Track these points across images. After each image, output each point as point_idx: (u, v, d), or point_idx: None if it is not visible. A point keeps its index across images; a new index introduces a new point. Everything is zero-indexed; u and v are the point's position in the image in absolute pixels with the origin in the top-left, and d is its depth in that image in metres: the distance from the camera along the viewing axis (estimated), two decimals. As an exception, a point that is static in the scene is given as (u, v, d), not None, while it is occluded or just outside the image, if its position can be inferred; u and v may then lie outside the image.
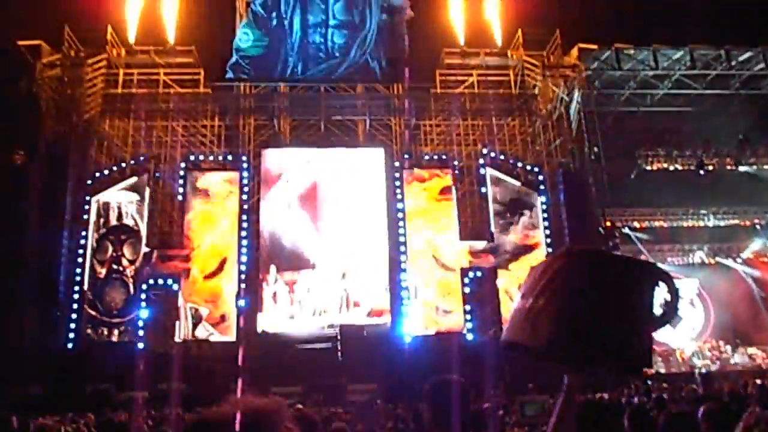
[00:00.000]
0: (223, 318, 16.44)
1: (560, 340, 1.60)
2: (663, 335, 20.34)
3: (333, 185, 17.47)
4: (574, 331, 1.59)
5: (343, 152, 18.09)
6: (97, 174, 17.07)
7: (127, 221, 16.85)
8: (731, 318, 20.26)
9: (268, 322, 16.27)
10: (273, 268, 16.58)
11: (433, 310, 17.06)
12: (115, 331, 16.16)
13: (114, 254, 16.53)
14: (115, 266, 16.49)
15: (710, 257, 21.59)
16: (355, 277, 16.67)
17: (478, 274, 16.98)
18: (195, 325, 16.35)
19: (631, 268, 1.71)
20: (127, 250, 16.60)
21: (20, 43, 16.93)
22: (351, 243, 16.94)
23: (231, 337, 16.19)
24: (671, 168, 20.52)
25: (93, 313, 16.13)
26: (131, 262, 16.57)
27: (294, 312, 16.36)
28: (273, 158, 17.77)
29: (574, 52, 18.57)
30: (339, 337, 15.45)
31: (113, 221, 16.82)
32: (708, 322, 20.52)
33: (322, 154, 17.89)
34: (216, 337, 16.31)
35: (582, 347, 1.59)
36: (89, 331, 16.04)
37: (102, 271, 16.41)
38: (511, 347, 1.74)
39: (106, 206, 16.95)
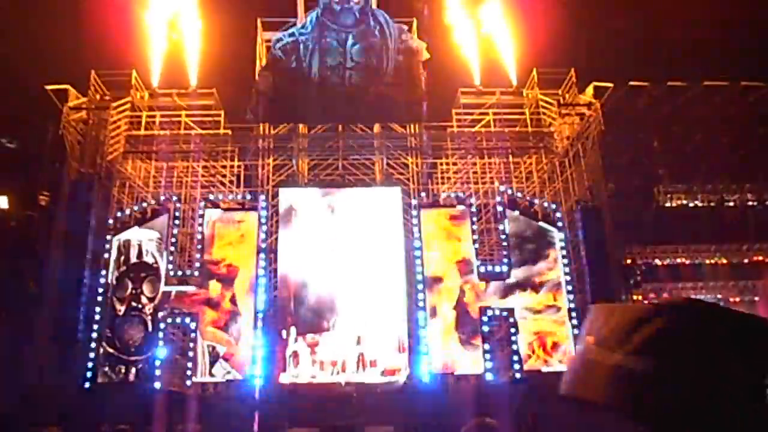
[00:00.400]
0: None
1: (682, 420, 1.28)
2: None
3: (350, 228, 17.53)
4: (707, 412, 1.27)
5: (361, 192, 18.26)
6: (119, 214, 17.37)
7: (147, 259, 17.06)
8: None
9: (287, 378, 16.18)
10: (293, 330, 16.51)
11: (455, 339, 16.81)
12: (133, 369, 16.15)
13: (133, 291, 16.69)
14: (134, 303, 16.62)
15: (735, 296, 21.11)
16: (371, 338, 16.51)
17: (498, 313, 16.82)
18: (212, 363, 16.31)
19: (762, 328, 1.36)
20: (146, 288, 16.76)
21: (48, 87, 17.51)
22: (368, 299, 16.86)
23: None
24: (691, 204, 20.31)
25: (111, 350, 16.18)
26: (150, 300, 16.71)
27: (314, 372, 16.27)
28: (291, 197, 17.98)
29: (590, 90, 18.66)
30: (354, 395, 15.47)
31: (133, 259, 17.03)
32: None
33: (339, 193, 18.07)
34: (233, 375, 16.23)
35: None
36: (106, 368, 16.05)
37: (121, 309, 16.55)
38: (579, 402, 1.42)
39: (127, 244, 17.18)
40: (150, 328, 16.29)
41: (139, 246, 17.13)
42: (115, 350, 16.19)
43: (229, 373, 16.26)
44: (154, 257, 17.07)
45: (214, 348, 16.42)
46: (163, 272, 16.75)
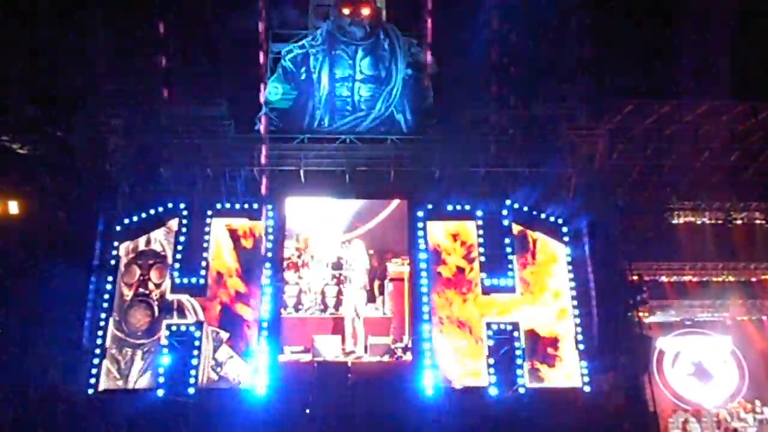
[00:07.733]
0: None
1: None
2: (696, 395, 19.66)
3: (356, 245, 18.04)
4: None
5: (368, 204, 18.40)
6: (126, 221, 17.50)
7: (155, 246, 17.67)
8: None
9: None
10: None
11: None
12: (139, 352, 16.48)
13: (141, 277, 17.31)
14: (141, 289, 17.21)
15: (743, 314, 20.93)
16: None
17: (503, 326, 16.81)
18: (216, 348, 16.62)
19: None
20: (153, 274, 17.34)
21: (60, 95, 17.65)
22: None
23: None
24: (698, 222, 20.25)
25: (119, 334, 16.63)
26: (157, 286, 17.29)
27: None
28: (296, 208, 18.21)
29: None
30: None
31: (142, 246, 17.66)
32: (743, 381, 19.83)
33: (345, 204, 18.24)
34: (235, 360, 16.40)
35: None
36: (114, 351, 16.41)
37: (129, 294, 17.13)
38: None
39: (136, 233, 17.66)
40: (156, 313, 16.82)
41: (148, 235, 17.71)
42: (123, 334, 16.66)
43: (232, 357, 16.51)
44: (162, 245, 17.67)
45: (218, 333, 16.74)
46: (170, 260, 17.16)
